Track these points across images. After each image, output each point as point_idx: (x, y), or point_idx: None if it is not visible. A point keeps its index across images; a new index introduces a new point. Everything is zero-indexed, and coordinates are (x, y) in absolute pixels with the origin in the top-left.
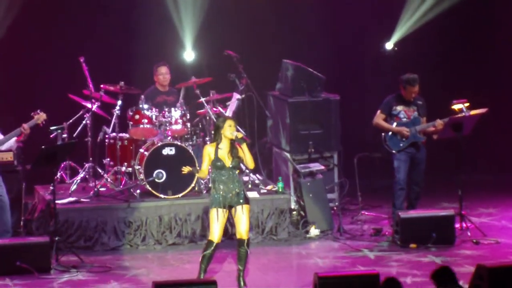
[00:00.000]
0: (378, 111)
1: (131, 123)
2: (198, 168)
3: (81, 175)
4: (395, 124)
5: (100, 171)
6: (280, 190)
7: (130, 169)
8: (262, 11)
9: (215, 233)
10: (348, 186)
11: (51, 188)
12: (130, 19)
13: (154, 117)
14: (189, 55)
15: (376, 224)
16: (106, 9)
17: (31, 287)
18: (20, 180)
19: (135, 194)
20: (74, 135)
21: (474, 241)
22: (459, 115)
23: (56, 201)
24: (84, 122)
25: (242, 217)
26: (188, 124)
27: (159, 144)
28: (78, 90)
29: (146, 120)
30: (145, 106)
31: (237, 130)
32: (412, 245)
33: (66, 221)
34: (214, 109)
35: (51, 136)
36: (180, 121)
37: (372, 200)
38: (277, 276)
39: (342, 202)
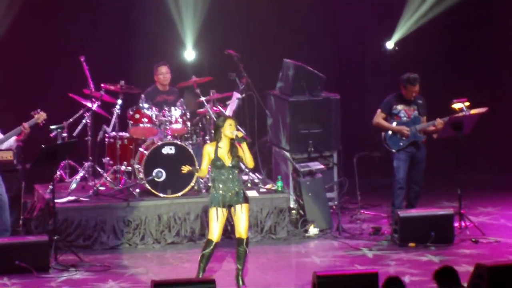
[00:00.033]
0: (378, 110)
1: (131, 122)
2: (197, 167)
3: (81, 174)
4: (395, 123)
5: (99, 170)
6: (280, 189)
7: (129, 168)
8: (263, 11)
9: (215, 232)
10: (348, 185)
11: (51, 187)
12: (130, 18)
13: (154, 116)
14: (189, 54)
15: (375, 223)
16: (107, 8)
17: (30, 286)
18: (20, 179)
19: (135, 193)
20: (74, 134)
21: (473, 240)
22: (459, 114)
23: (55, 200)
24: (84, 121)
25: (241, 216)
26: (188, 123)
27: (159, 143)
28: (79, 89)
29: (146, 119)
30: (145, 105)
31: (237, 129)
32: (411, 244)
33: (65, 220)
34: (215, 108)
35: (51, 135)
36: (180, 120)
37: (371, 199)
38: (276, 275)
39: (341, 201)
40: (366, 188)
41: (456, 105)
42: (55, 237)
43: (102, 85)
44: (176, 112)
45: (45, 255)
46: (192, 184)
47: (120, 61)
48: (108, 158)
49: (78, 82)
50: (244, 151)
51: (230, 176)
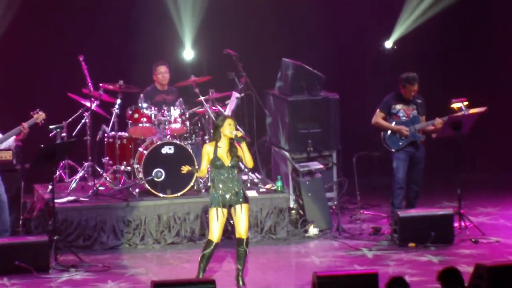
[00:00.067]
0: (377, 110)
1: (130, 122)
2: (197, 167)
3: (80, 174)
4: (394, 123)
5: (99, 170)
6: (279, 189)
7: (129, 168)
8: (262, 10)
9: (215, 233)
10: (347, 185)
11: (50, 187)
12: (129, 18)
13: (153, 116)
14: (188, 53)
15: (375, 223)
16: (106, 8)
17: (30, 287)
18: (19, 179)
19: (134, 193)
20: (73, 134)
21: (473, 240)
22: (458, 114)
23: (55, 200)
24: (83, 121)
25: (241, 216)
26: (187, 123)
27: (158, 143)
28: (77, 89)
29: (145, 119)
30: (144, 105)
31: (237, 129)
32: (411, 244)
33: (65, 220)
34: (213, 107)
35: (50, 135)
36: (179, 120)
37: (371, 199)
38: (276, 275)
39: (341, 201)
40: (366, 188)
41: (455, 105)
42: (55, 237)
43: (101, 84)
44: (175, 112)
45: (45, 255)
46: (191, 184)
47: (119, 61)
48: (107, 158)
49: (77, 82)
50: (244, 151)
51: (230, 176)
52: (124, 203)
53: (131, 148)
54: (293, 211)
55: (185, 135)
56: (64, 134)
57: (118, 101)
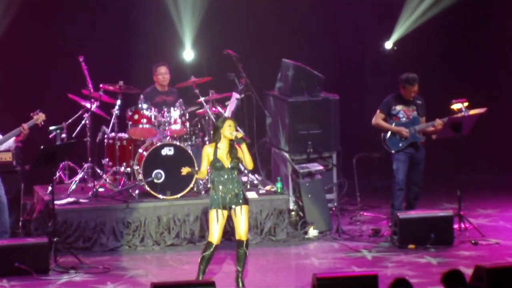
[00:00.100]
0: (378, 111)
1: (130, 123)
2: (197, 169)
3: (80, 175)
4: (394, 124)
5: (99, 171)
6: (279, 190)
7: (129, 169)
8: (262, 11)
9: (215, 235)
10: (347, 186)
11: (50, 188)
12: (129, 18)
13: (153, 117)
14: (188, 54)
15: (375, 224)
16: (106, 8)
17: None
18: (19, 180)
19: (134, 194)
20: (73, 135)
21: (473, 242)
22: (458, 115)
23: (55, 202)
24: (83, 122)
25: (241, 218)
26: (187, 124)
27: (158, 144)
28: (77, 90)
29: (145, 120)
30: (144, 106)
31: (237, 130)
32: (411, 246)
33: (64, 221)
34: (213, 108)
35: (50, 136)
36: (179, 121)
37: (371, 200)
38: (276, 277)
39: (340, 202)
40: (366, 190)
41: (455, 106)
42: (55, 239)
43: (101, 85)
44: (175, 113)
45: (44, 257)
46: (191, 185)
47: (118, 61)
48: (107, 159)
49: (77, 82)
50: (244, 152)
51: (230, 178)
52: (124, 204)
53: (131, 150)
54: (293, 213)
55: (185, 136)
56: (64, 135)
57: (118, 102)
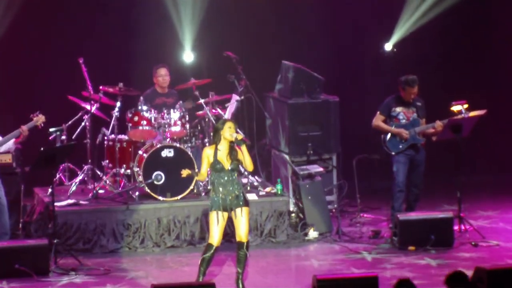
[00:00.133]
0: (377, 113)
1: (130, 124)
2: (197, 171)
3: (80, 177)
4: (393, 126)
5: (99, 173)
6: (279, 192)
7: (129, 171)
8: (261, 11)
9: (215, 236)
10: (347, 188)
11: (50, 190)
12: (129, 18)
13: (153, 118)
14: (188, 56)
15: (375, 226)
16: (105, 8)
17: None
18: (19, 182)
19: (134, 196)
20: (73, 137)
21: (473, 243)
22: (458, 117)
23: (55, 203)
24: (83, 124)
25: (241, 219)
26: (187, 126)
27: (158, 146)
28: (77, 91)
29: (145, 122)
30: (144, 108)
31: (237, 132)
32: (411, 248)
33: (65, 223)
34: (213, 110)
35: (50, 138)
36: (179, 122)
37: (371, 202)
38: (276, 278)
39: (341, 204)
40: (366, 191)
41: (455, 108)
42: (55, 241)
43: (101, 87)
44: (175, 115)
45: (45, 258)
46: (191, 187)
47: (118, 61)
48: (107, 161)
49: (77, 84)
50: (244, 154)
51: (230, 179)
52: (124, 206)
53: (131, 151)
54: (293, 214)
55: (185, 138)
56: (64, 137)
57: (118, 104)
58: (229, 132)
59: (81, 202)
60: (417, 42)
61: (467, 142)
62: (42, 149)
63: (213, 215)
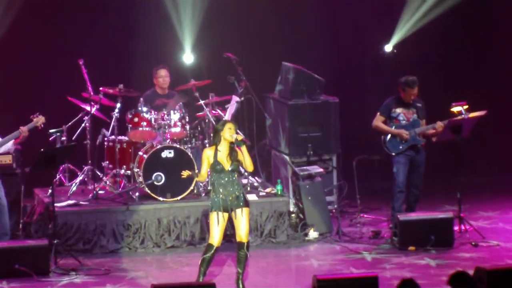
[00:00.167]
0: (378, 114)
1: (130, 125)
2: (197, 171)
3: (80, 178)
4: (394, 126)
5: (99, 174)
6: (279, 192)
7: (129, 172)
8: (261, 11)
9: (215, 237)
10: (347, 188)
11: (50, 191)
12: (129, 18)
13: (153, 119)
14: (188, 57)
15: (375, 226)
16: (105, 8)
17: None
18: (19, 182)
19: (134, 197)
20: (73, 138)
21: (473, 243)
22: (458, 118)
23: (55, 204)
24: (83, 125)
25: (242, 220)
26: (187, 127)
27: (158, 147)
28: (77, 92)
29: (145, 123)
30: (144, 109)
31: (237, 133)
32: (411, 248)
33: (65, 224)
34: (213, 111)
35: (50, 139)
36: (179, 123)
37: (371, 202)
38: (276, 279)
39: (341, 204)
40: (366, 192)
41: (455, 109)
42: (55, 241)
43: (101, 88)
44: (175, 116)
45: (45, 259)
46: (191, 187)
47: (119, 61)
48: (107, 162)
49: (77, 84)
50: (244, 155)
51: (230, 180)
52: (124, 207)
53: (131, 152)
54: (293, 215)
55: (185, 139)
56: (64, 138)
57: (118, 105)
58: (229, 133)
59: (81, 202)
60: (418, 42)
61: (467, 143)
62: (42, 150)
63: (213, 216)
